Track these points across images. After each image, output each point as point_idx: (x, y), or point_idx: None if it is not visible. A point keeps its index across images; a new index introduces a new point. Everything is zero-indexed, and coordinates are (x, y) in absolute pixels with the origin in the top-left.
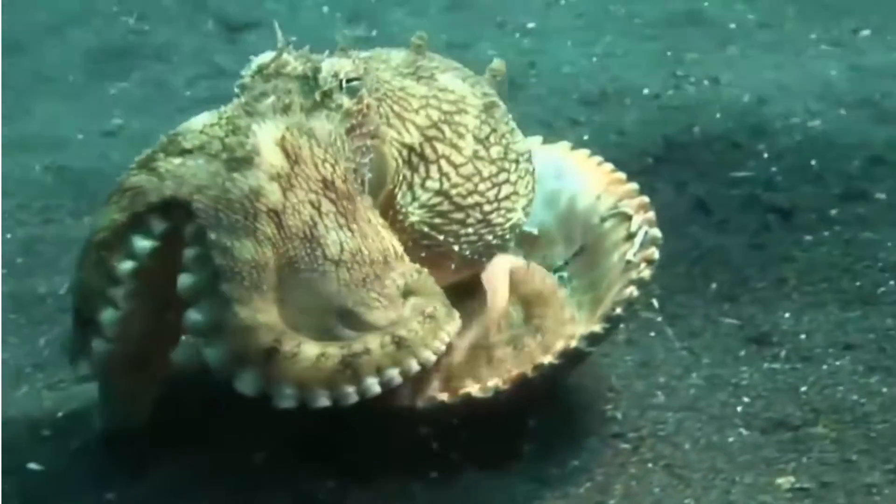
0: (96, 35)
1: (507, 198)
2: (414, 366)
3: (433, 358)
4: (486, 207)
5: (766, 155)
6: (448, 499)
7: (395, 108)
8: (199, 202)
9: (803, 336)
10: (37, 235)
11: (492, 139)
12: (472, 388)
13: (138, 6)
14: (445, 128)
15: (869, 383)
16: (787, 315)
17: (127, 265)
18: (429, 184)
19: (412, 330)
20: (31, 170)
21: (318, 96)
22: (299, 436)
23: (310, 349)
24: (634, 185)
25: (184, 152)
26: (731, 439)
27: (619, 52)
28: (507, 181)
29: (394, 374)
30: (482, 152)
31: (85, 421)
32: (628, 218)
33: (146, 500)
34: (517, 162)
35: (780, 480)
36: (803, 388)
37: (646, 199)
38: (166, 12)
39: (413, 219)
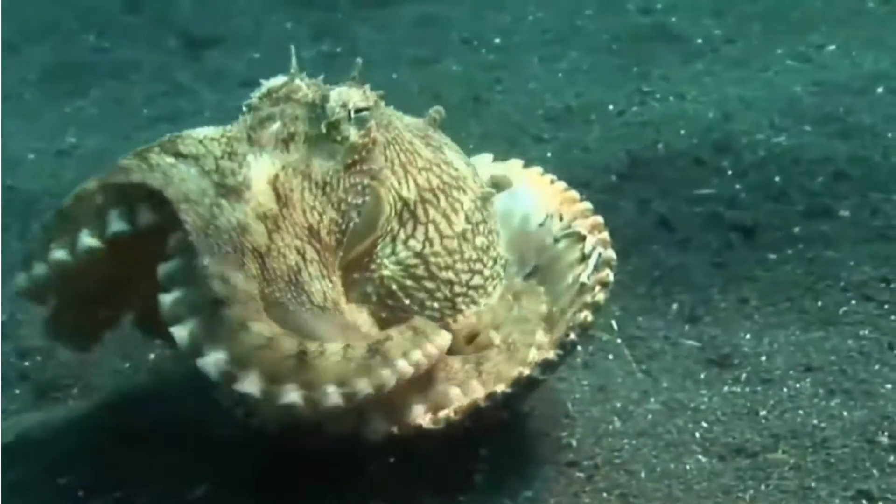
0: (54, 52)
1: (475, 288)
2: (432, 350)
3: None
4: (456, 289)
5: (729, 172)
6: None
7: (402, 157)
8: (188, 215)
9: (764, 358)
10: None
11: (481, 228)
12: (423, 420)
13: (99, 24)
14: (442, 197)
15: (829, 406)
16: (748, 336)
17: (91, 241)
18: (412, 243)
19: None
20: None
21: (324, 127)
22: (238, 470)
23: (333, 345)
24: (588, 205)
25: (178, 155)
26: (688, 466)
27: (585, 68)
28: (481, 273)
29: (419, 356)
30: (469, 235)
31: (24, 453)
32: (582, 238)
33: None
34: (495, 262)
35: None
36: (763, 412)
37: (599, 218)
38: (128, 30)
39: (385, 272)
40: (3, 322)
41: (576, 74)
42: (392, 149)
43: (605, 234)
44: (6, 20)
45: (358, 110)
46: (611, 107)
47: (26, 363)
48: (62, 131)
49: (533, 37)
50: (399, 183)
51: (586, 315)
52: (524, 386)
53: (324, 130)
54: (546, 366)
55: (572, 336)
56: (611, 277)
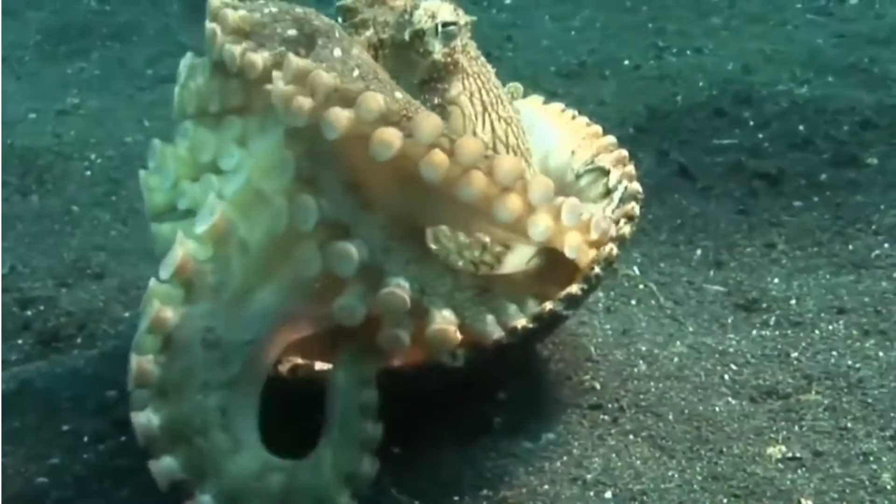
0: (55, 16)
1: None
2: None
3: None
4: None
5: (751, 123)
6: (411, 477)
7: (485, 96)
8: None
9: (794, 301)
10: None
11: None
12: (442, 357)
13: None
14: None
15: (864, 348)
16: (776, 280)
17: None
18: None
19: None
20: None
21: (408, 35)
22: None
23: None
24: (611, 139)
25: None
26: (717, 408)
27: (598, 25)
28: None
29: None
30: None
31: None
32: (606, 173)
33: None
34: None
35: (770, 450)
36: (794, 355)
37: (624, 152)
38: None
39: None
40: (3, 275)
41: (589, 31)
42: (475, 81)
43: (631, 168)
44: None
45: (445, 24)
46: (626, 62)
47: (28, 313)
48: (63, 92)
49: None
50: (476, 118)
51: (611, 248)
52: (546, 322)
53: (407, 38)
54: (570, 301)
55: (597, 270)
56: (636, 211)
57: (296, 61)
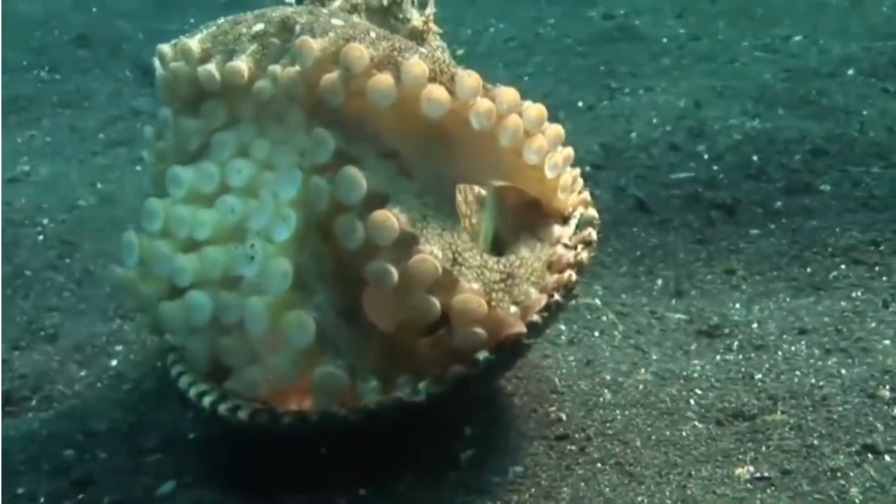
0: (4, 88)
1: None
2: None
3: None
4: None
5: (706, 156)
6: None
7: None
8: None
9: (755, 325)
10: None
11: None
12: (402, 392)
13: (50, 59)
14: None
15: (827, 366)
16: (737, 306)
17: None
18: None
19: None
20: None
21: (385, 0)
22: (205, 466)
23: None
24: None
25: None
26: (684, 433)
27: (551, 70)
28: None
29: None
30: None
31: None
32: None
33: None
34: None
35: (739, 471)
36: (758, 376)
37: (578, 178)
38: (80, 63)
39: None
40: None
41: (542, 76)
42: (443, 53)
43: (586, 194)
44: None
45: None
46: (580, 103)
47: None
48: (14, 160)
49: (496, 45)
50: None
51: (570, 274)
52: (507, 351)
53: (385, 3)
54: (531, 329)
55: (557, 297)
56: (594, 236)
57: (317, 42)
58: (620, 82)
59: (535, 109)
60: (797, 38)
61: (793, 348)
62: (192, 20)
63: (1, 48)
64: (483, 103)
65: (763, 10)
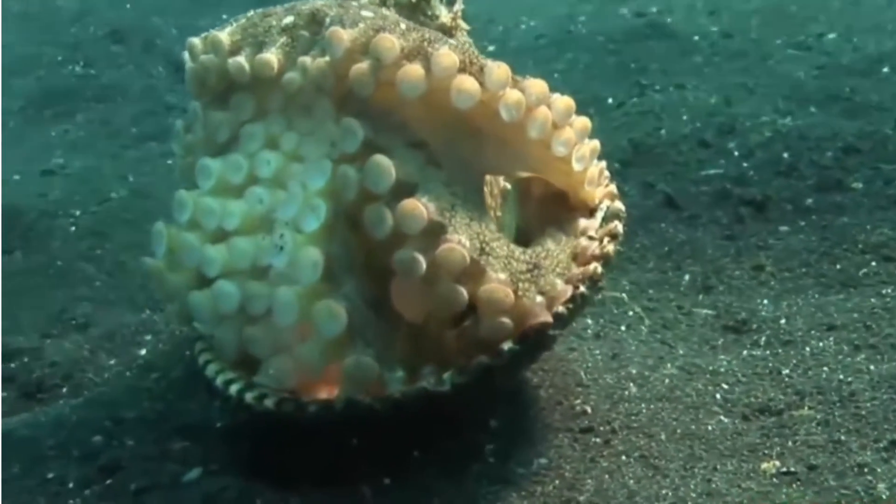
0: (39, 83)
1: None
2: None
3: None
4: None
5: (736, 153)
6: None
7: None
8: None
9: (783, 321)
10: None
11: None
12: (426, 382)
13: (85, 54)
14: None
15: (855, 362)
16: (765, 302)
17: None
18: None
19: None
20: None
21: None
22: (231, 453)
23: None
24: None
25: None
26: (710, 427)
27: (581, 67)
28: None
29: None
30: None
31: (9, 451)
32: None
33: None
34: None
35: (764, 466)
36: (786, 372)
37: (604, 167)
38: (114, 58)
39: None
40: None
41: (572, 73)
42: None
43: (613, 187)
44: None
45: None
46: (610, 100)
47: (12, 365)
48: (48, 154)
49: (527, 42)
50: None
51: (596, 267)
52: (532, 342)
53: (414, 1)
54: (556, 320)
55: (582, 289)
56: (620, 229)
57: (347, 32)
58: (651, 79)
59: (563, 102)
60: (831, 35)
61: (821, 344)
62: (224, 16)
63: (35, 44)
64: (512, 94)
65: (798, 7)
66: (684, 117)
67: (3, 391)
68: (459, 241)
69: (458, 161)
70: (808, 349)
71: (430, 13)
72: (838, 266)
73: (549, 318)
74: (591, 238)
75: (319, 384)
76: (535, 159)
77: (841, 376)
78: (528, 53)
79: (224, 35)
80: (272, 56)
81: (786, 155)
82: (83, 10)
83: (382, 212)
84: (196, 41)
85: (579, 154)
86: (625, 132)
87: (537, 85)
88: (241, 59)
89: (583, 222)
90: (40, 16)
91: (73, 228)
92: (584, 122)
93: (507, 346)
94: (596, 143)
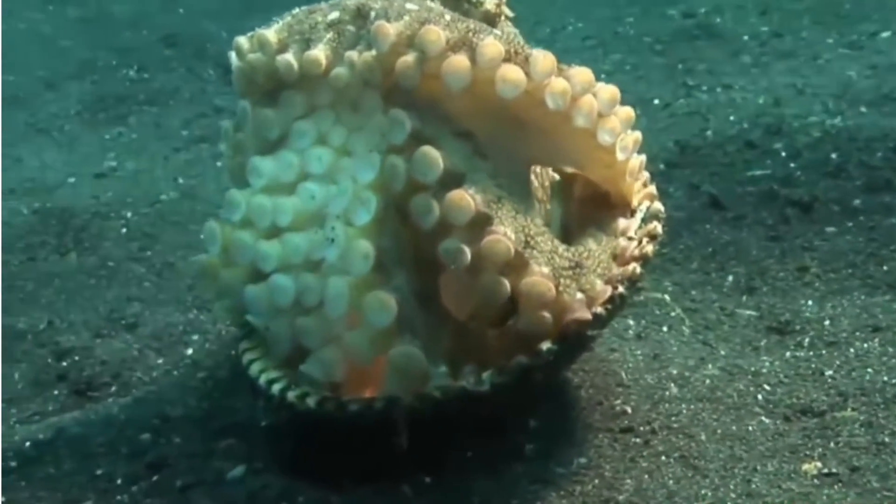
0: (94, 86)
1: None
2: None
3: None
4: None
5: (783, 153)
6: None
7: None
8: None
9: (827, 322)
10: (16, 272)
11: None
12: (466, 381)
13: (139, 59)
14: None
15: None
16: (809, 303)
17: None
18: None
19: None
20: (18, 214)
21: None
22: (274, 452)
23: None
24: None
25: None
26: (751, 428)
27: (628, 68)
28: None
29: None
30: None
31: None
32: None
33: None
34: None
35: (806, 467)
36: (829, 373)
37: (645, 173)
38: (166, 62)
39: None
40: (40, 329)
41: (619, 74)
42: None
43: (653, 188)
44: (47, 62)
45: None
46: (656, 101)
47: (64, 363)
48: (102, 156)
49: (574, 44)
50: None
51: (635, 268)
52: (572, 342)
53: None
54: (595, 319)
55: (621, 290)
56: (659, 230)
57: (392, 26)
58: (698, 80)
59: (608, 90)
60: (885, 34)
61: (865, 346)
62: (274, 19)
63: (90, 49)
64: (558, 83)
65: (851, 6)
66: (731, 118)
67: (55, 389)
68: (505, 233)
69: (504, 152)
70: (852, 350)
71: (474, 0)
72: (885, 268)
73: (588, 316)
74: (630, 239)
75: (362, 384)
76: (578, 150)
77: (885, 378)
78: (574, 55)
79: (271, 33)
80: (320, 52)
81: (834, 155)
82: (137, 16)
83: (430, 202)
84: (243, 40)
85: (623, 144)
86: (671, 133)
87: (583, 73)
88: (289, 57)
89: (622, 223)
90: (97, 21)
91: (125, 230)
92: (628, 111)
93: (546, 345)
94: (638, 135)
